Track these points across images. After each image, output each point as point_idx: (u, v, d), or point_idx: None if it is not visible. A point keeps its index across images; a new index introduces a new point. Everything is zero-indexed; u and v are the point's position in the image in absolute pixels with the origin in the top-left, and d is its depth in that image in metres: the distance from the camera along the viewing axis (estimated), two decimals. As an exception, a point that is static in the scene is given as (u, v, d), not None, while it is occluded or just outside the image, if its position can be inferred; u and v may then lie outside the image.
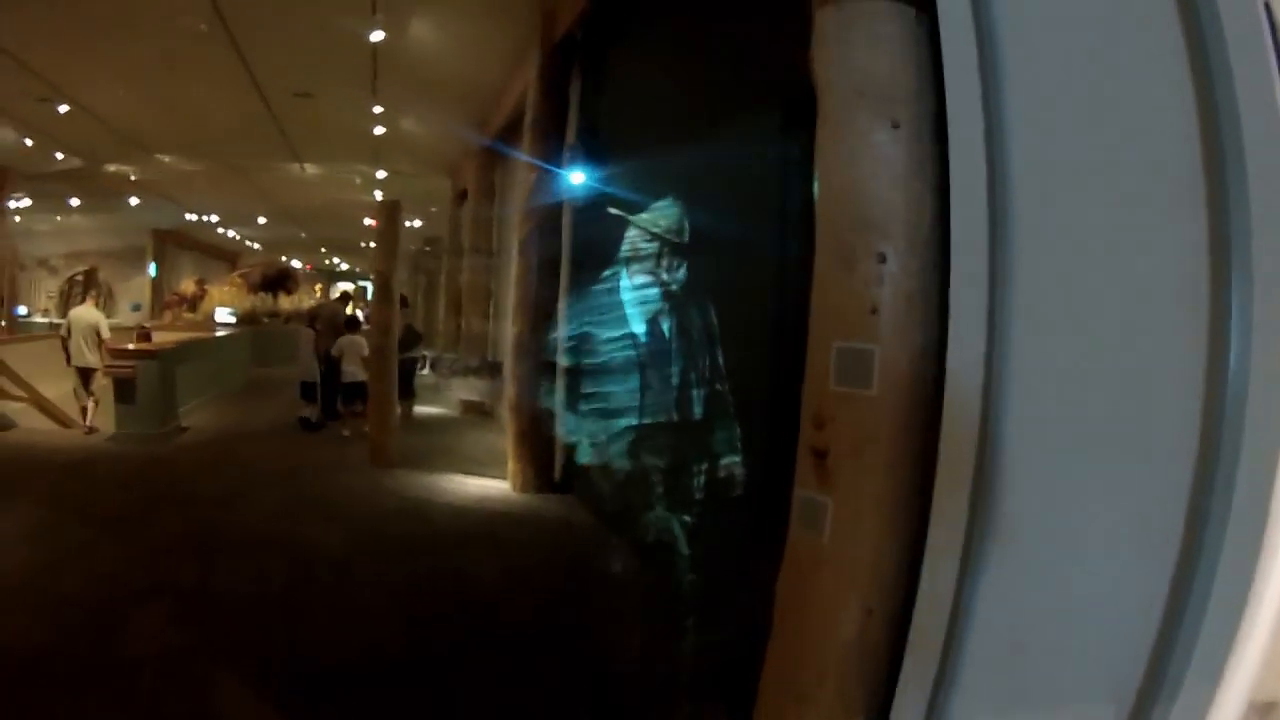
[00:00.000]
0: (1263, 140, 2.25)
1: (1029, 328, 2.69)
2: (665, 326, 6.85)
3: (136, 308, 34.57)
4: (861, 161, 3.12)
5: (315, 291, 44.02)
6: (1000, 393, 2.74)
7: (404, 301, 15.77)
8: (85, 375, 14.01)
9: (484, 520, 9.11)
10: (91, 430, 13.58)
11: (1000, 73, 2.78)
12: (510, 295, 11.65)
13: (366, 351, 13.26)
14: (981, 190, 2.76)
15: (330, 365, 14.54)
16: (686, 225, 6.64)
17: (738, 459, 5.86)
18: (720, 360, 6.18)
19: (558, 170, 9.92)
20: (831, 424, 3.18)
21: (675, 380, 6.62)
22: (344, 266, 50.83)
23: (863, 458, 3.12)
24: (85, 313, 14.38)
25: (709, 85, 6.82)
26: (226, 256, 43.35)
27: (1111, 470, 2.48)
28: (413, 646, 5.83)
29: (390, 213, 12.04)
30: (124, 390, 12.77)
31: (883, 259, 3.04)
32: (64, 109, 15.94)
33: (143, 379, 12.66)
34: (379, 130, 17.50)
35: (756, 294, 5.55)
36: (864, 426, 3.11)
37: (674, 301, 6.74)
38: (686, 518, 6.41)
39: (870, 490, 3.12)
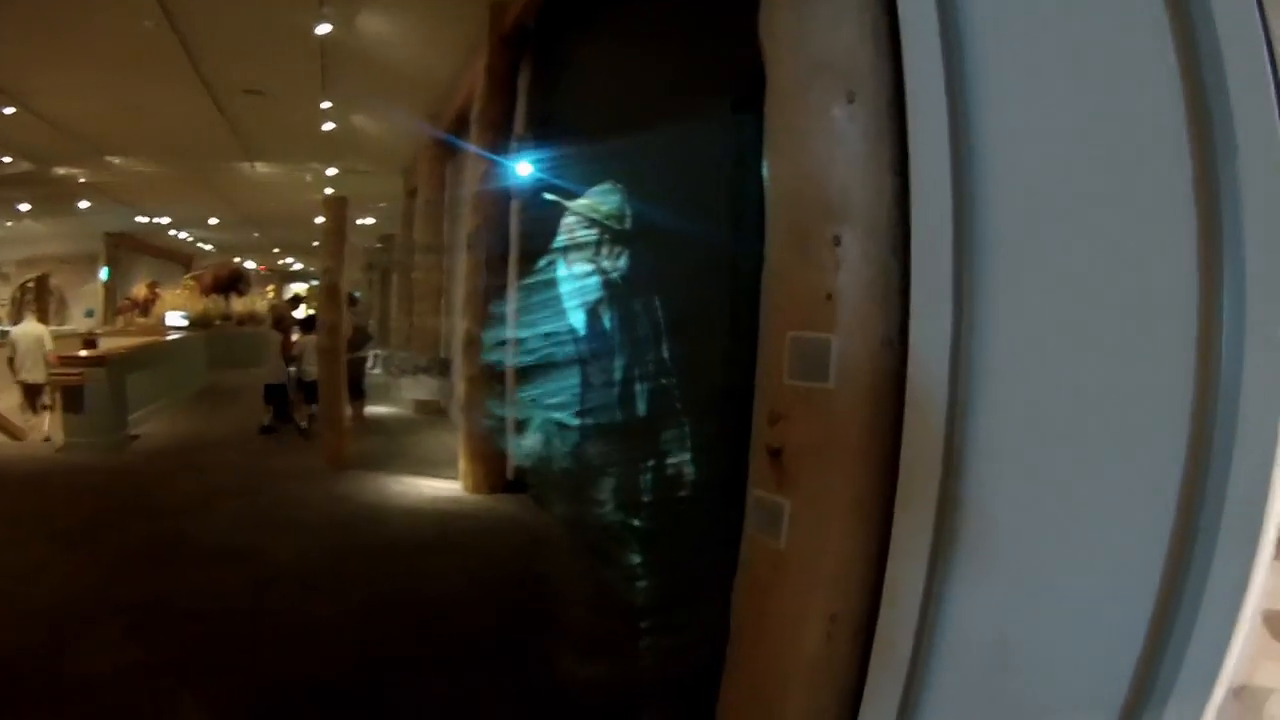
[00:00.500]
0: (1254, 110, 2.07)
1: (1000, 316, 2.50)
2: (615, 319, 6.65)
3: (90, 314, 34.04)
4: (815, 138, 2.90)
5: (268, 293, 43.57)
6: (970, 385, 2.56)
7: (353, 300, 15.58)
8: (32, 391, 13.74)
9: (436, 523, 8.92)
10: (48, 439, 13.37)
11: (965, 40, 2.59)
12: (460, 291, 11.45)
13: None
14: (945, 168, 2.57)
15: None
16: (637, 214, 6.45)
17: (693, 457, 5.68)
18: (673, 353, 5.99)
19: (506, 162, 9.73)
20: (787, 420, 2.98)
21: (626, 375, 6.44)
22: (298, 266, 50.26)
23: (821, 456, 2.92)
24: (30, 328, 14.05)
25: (662, 70, 6.64)
26: (180, 259, 42.77)
27: (1095, 467, 2.30)
28: (366, 661, 5.65)
29: (336, 209, 11.74)
30: (72, 399, 12.50)
31: (839, 242, 2.83)
32: (9, 111, 15.58)
33: (91, 387, 12.38)
34: (329, 126, 17.26)
35: (711, 283, 5.36)
36: (822, 422, 2.90)
37: (624, 293, 6.56)
38: (641, 517, 6.24)
39: (830, 490, 2.92)
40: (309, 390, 14.02)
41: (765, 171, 3.11)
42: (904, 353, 2.77)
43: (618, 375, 6.45)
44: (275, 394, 14.65)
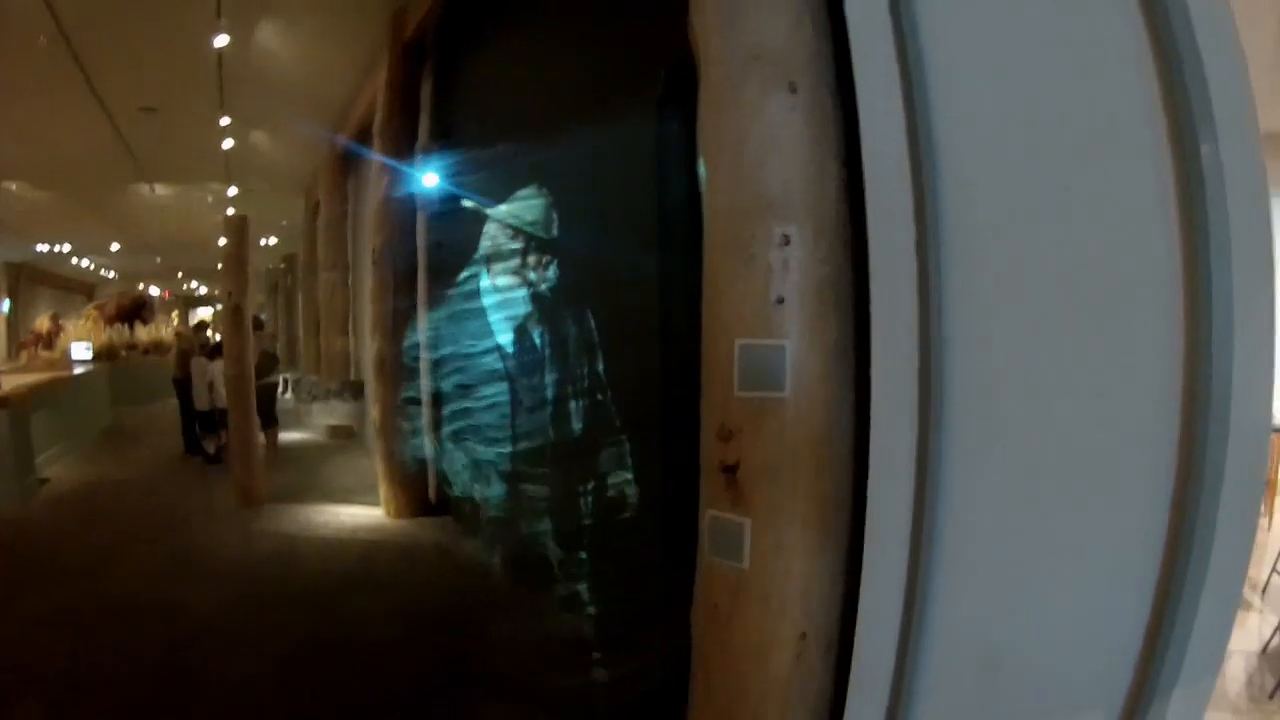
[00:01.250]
0: (1228, 82, 1.95)
1: (970, 310, 2.35)
2: (535, 332, 6.44)
3: (-9, 351, 33.10)
4: (754, 133, 2.73)
5: (173, 319, 42.60)
6: (942, 384, 2.40)
7: (259, 324, 15.19)
8: None
9: (359, 555, 8.58)
10: None
11: (917, 17, 2.42)
12: (368, 310, 11.14)
13: None
14: (901, 156, 2.42)
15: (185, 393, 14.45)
16: (554, 221, 6.24)
17: (624, 473, 5.48)
18: (601, 366, 5.77)
19: (411, 175, 9.45)
20: (740, 434, 2.80)
21: (549, 390, 6.23)
22: (203, 291, 49.33)
23: (780, 469, 2.75)
24: None
25: (576, 70, 6.37)
26: (83, 289, 41.63)
27: (1081, 463, 2.18)
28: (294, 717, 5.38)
29: (237, 229, 11.32)
30: (-27, 447, 11.82)
31: (786, 242, 2.66)
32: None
33: (-7, 432, 11.74)
34: (228, 144, 16.74)
35: (640, 291, 5.13)
36: (778, 434, 2.74)
37: (544, 304, 6.35)
38: (571, 542, 6.04)
39: (792, 505, 2.76)
40: (221, 417, 13.65)
41: (700, 171, 2.92)
42: (863, 355, 2.62)
43: (544, 390, 6.25)
44: (206, 421, 14.29)
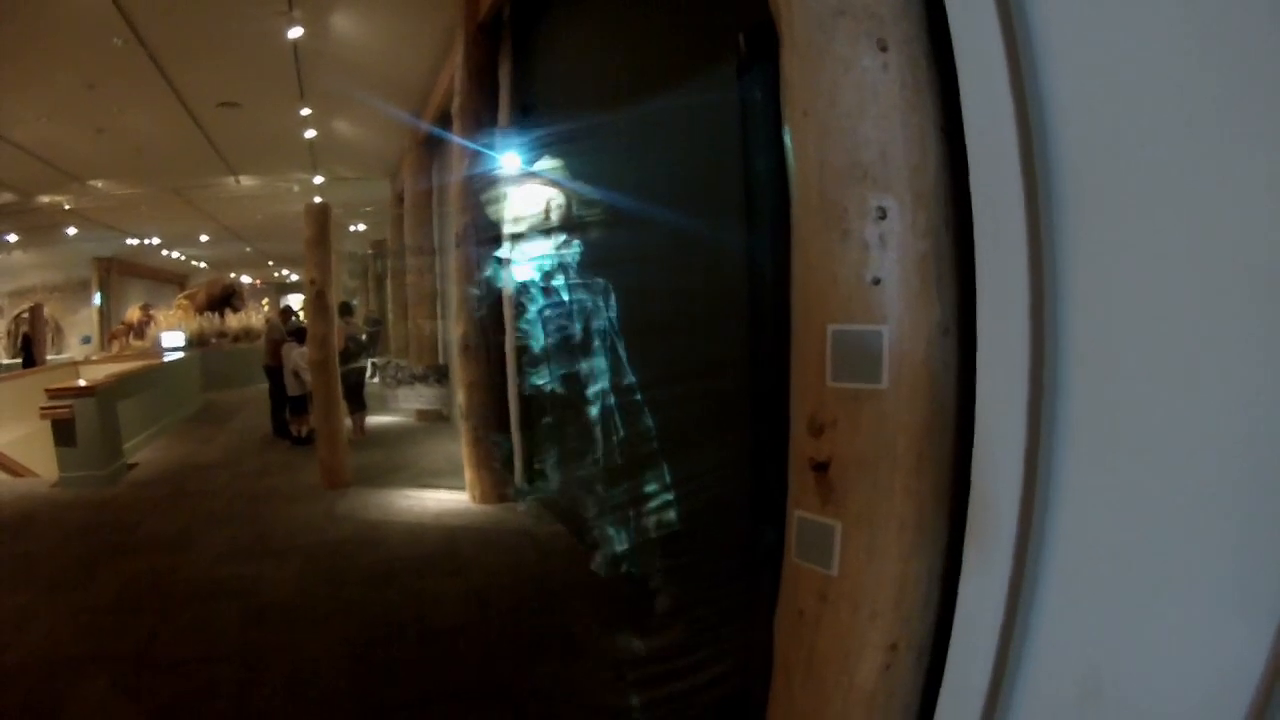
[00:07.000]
0: None
1: (1088, 291, 2.08)
2: (615, 315, 6.26)
3: (87, 340, 34.06)
4: (845, 87, 2.47)
5: (264, 306, 43.27)
6: (1055, 376, 2.14)
7: (347, 309, 15.29)
8: None
9: (443, 540, 8.53)
10: None
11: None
12: (453, 293, 11.06)
13: None
14: (1007, 117, 2.14)
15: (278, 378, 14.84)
16: (634, 199, 6.04)
17: (708, 465, 5.28)
18: (687, 345, 5.57)
19: (492, 156, 9.33)
20: (833, 429, 2.56)
21: (629, 375, 6.05)
22: (295, 278, 50.14)
23: (875, 468, 2.51)
24: None
25: (652, 41, 6.20)
26: (174, 279, 42.65)
27: (1211, 475, 1.87)
28: (367, 703, 5.29)
29: (318, 217, 11.37)
30: (63, 432, 12.09)
31: (883, 215, 2.41)
32: (-15, 140, 15.31)
33: (81, 418, 11.98)
34: (311, 134, 16.94)
35: (729, 272, 4.90)
36: (875, 429, 2.49)
37: (627, 286, 6.17)
38: (654, 533, 5.86)
39: (886, 507, 2.51)
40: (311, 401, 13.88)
41: (786, 139, 2.68)
42: (965, 341, 2.40)
43: (621, 376, 6.08)
44: (296, 404, 14.66)
